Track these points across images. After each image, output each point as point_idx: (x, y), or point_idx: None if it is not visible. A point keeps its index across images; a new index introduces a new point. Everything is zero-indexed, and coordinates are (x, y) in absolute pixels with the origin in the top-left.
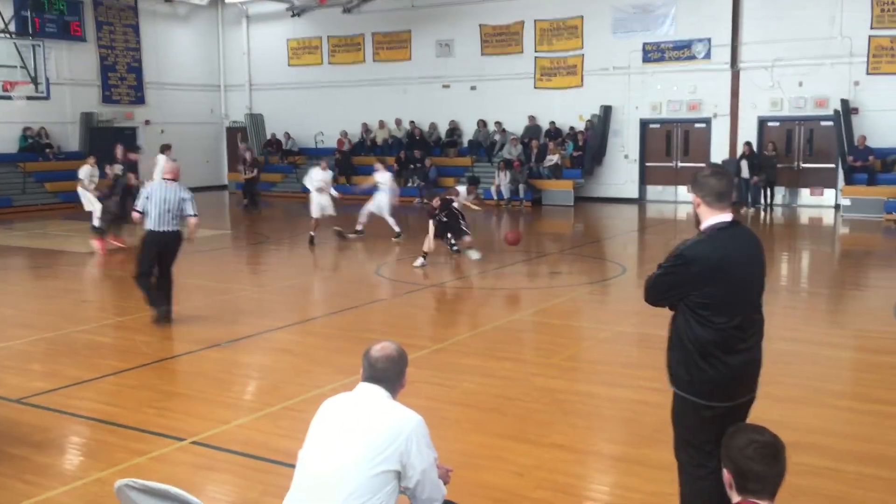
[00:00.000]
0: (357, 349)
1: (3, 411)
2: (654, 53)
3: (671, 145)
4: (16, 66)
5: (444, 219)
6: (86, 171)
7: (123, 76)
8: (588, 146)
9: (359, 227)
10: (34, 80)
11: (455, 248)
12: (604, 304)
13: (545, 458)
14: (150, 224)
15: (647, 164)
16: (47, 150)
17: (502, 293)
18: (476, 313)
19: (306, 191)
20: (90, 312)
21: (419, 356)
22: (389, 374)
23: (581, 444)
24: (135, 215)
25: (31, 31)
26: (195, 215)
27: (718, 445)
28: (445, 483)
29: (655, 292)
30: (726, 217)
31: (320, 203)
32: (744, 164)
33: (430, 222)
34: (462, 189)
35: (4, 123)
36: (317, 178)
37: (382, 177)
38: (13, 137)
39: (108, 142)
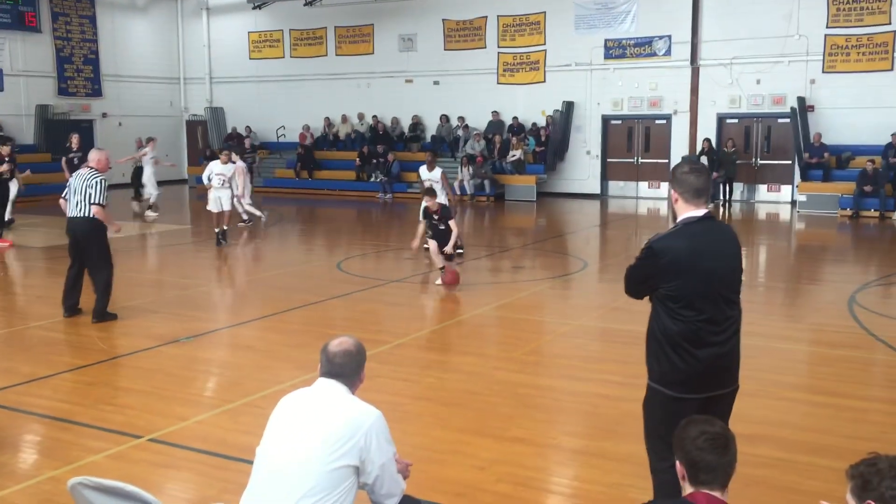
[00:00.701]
0: (318, 344)
1: None
2: (615, 50)
3: (632, 141)
4: None
5: (442, 227)
6: None
7: (80, 68)
8: (550, 142)
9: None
10: None
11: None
12: (566, 299)
13: (506, 451)
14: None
15: (609, 159)
16: (9, 142)
17: (465, 288)
18: (439, 308)
19: (200, 182)
20: (44, 308)
21: (381, 351)
22: (347, 370)
23: (541, 438)
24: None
25: None
26: (98, 203)
27: None
28: (405, 478)
29: (630, 283)
30: (699, 212)
31: (217, 196)
32: (703, 161)
33: (424, 229)
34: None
35: None
36: (216, 171)
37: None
38: None
39: (64, 134)
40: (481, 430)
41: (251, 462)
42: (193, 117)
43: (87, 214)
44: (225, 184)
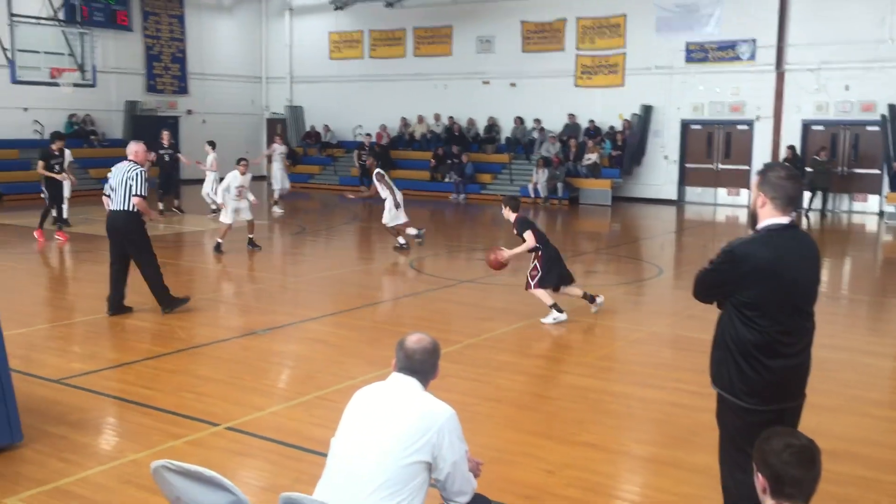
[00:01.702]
0: (390, 342)
1: (43, 391)
2: (697, 53)
3: (712, 147)
4: (64, 54)
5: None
6: None
7: (168, 66)
8: (627, 146)
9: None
10: (81, 68)
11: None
12: (639, 305)
13: (576, 456)
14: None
15: (687, 165)
16: (92, 137)
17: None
18: (510, 310)
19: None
20: (130, 297)
21: (452, 350)
22: (425, 366)
23: (612, 444)
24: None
25: (79, 19)
26: (139, 195)
27: None
28: (476, 476)
29: (702, 288)
30: (784, 219)
31: (237, 207)
32: None
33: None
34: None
35: (51, 110)
36: (235, 183)
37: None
38: (59, 124)
39: (151, 130)
40: (551, 433)
41: (323, 454)
42: (274, 115)
43: (127, 207)
44: (243, 194)
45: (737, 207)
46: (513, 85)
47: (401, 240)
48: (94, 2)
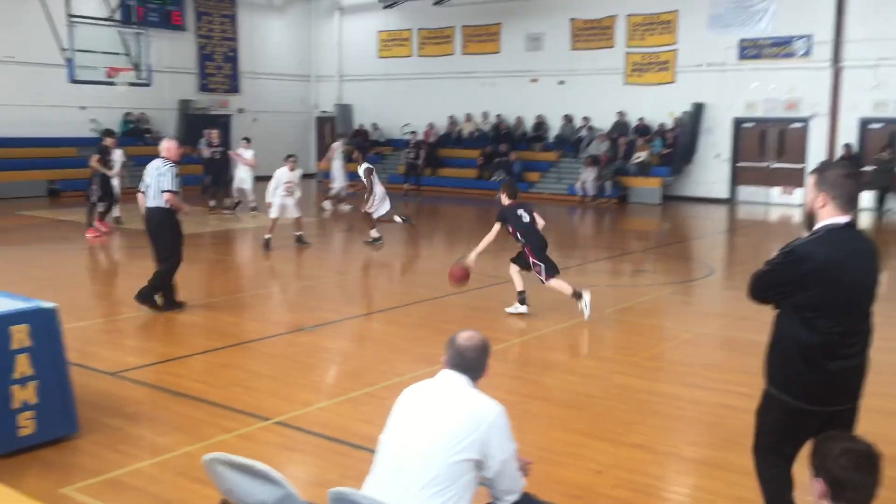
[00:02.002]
0: (437, 339)
1: (98, 384)
2: (750, 50)
3: (765, 145)
4: (119, 54)
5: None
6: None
7: (220, 65)
8: (678, 144)
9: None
10: (136, 68)
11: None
12: (689, 305)
13: (624, 456)
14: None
15: (740, 163)
16: (146, 135)
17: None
18: (558, 309)
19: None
20: (183, 292)
21: (500, 349)
22: (476, 364)
23: (661, 445)
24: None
25: (134, 19)
26: (170, 190)
27: (797, 450)
28: (525, 475)
29: (760, 287)
30: (845, 219)
31: (283, 203)
32: None
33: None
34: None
35: (108, 108)
36: (283, 178)
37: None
38: (115, 122)
39: (203, 128)
40: (599, 433)
41: (371, 450)
42: (323, 114)
43: (160, 203)
44: (291, 190)
45: (790, 207)
46: (561, 83)
47: (374, 233)
48: (149, 2)
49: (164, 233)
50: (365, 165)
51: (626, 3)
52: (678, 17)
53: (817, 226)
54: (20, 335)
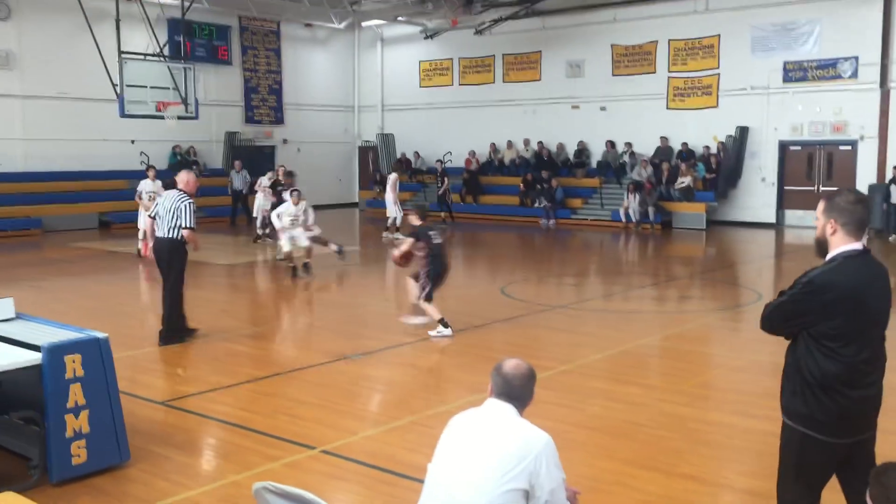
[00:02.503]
0: (482, 367)
1: (149, 413)
2: (795, 73)
3: (813, 168)
4: (168, 88)
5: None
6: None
7: (265, 97)
8: (722, 168)
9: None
10: (185, 101)
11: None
12: (737, 332)
13: (674, 487)
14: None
15: (786, 187)
16: (194, 167)
17: (630, 316)
18: (603, 336)
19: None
20: (228, 321)
21: (545, 377)
22: (523, 392)
23: (712, 476)
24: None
25: (182, 55)
26: (190, 227)
27: (823, 483)
28: None
29: (777, 320)
30: (858, 245)
31: (291, 235)
32: (893, 189)
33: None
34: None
35: (158, 142)
36: (286, 212)
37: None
38: (163, 155)
39: (249, 159)
40: (648, 463)
41: (417, 479)
42: (365, 143)
43: (174, 236)
44: (296, 223)
45: None
46: (603, 109)
47: (333, 246)
48: (196, 38)
49: (176, 263)
50: (294, 190)
51: (667, 28)
52: (720, 41)
53: (832, 253)
54: (73, 365)
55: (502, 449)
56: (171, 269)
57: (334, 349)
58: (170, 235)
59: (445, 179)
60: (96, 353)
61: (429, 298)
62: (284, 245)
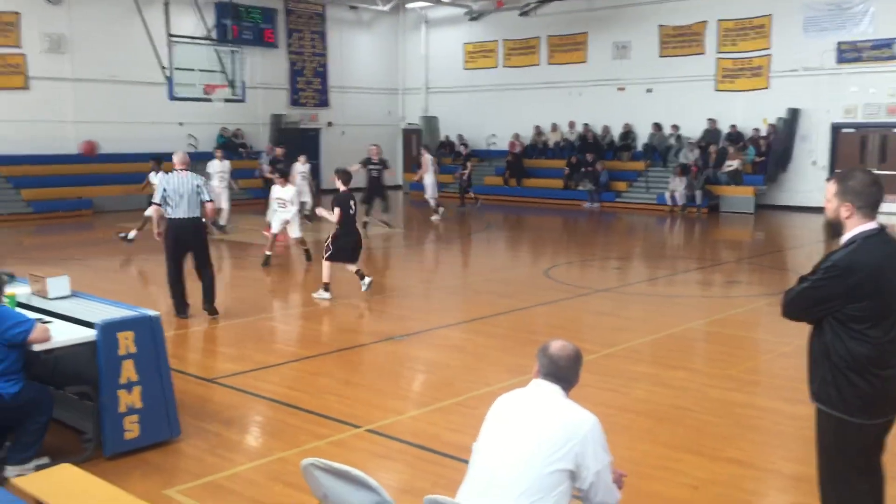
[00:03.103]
0: (525, 350)
1: (198, 390)
2: (849, 53)
3: (866, 151)
4: (216, 71)
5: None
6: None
7: (310, 80)
8: (772, 151)
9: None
10: (232, 84)
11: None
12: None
13: (721, 472)
14: (171, 213)
15: (838, 170)
16: (241, 150)
17: (675, 300)
18: (647, 320)
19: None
20: (276, 301)
21: (589, 360)
22: (569, 374)
23: (760, 461)
24: (154, 207)
25: (230, 38)
26: (210, 200)
27: (869, 465)
28: (619, 488)
29: (801, 307)
30: (874, 224)
31: (283, 218)
32: None
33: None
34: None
35: (205, 124)
36: (275, 195)
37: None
38: (211, 137)
39: (294, 142)
40: (694, 447)
41: (461, 459)
42: (409, 126)
43: (198, 214)
44: (284, 206)
45: (892, 215)
46: (649, 91)
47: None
48: (243, 21)
49: (202, 240)
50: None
51: (716, 8)
52: (772, 21)
53: (849, 235)
54: (126, 342)
55: (549, 430)
56: (201, 246)
57: (379, 330)
58: (194, 215)
59: (468, 164)
60: (148, 331)
61: (334, 259)
62: (274, 228)
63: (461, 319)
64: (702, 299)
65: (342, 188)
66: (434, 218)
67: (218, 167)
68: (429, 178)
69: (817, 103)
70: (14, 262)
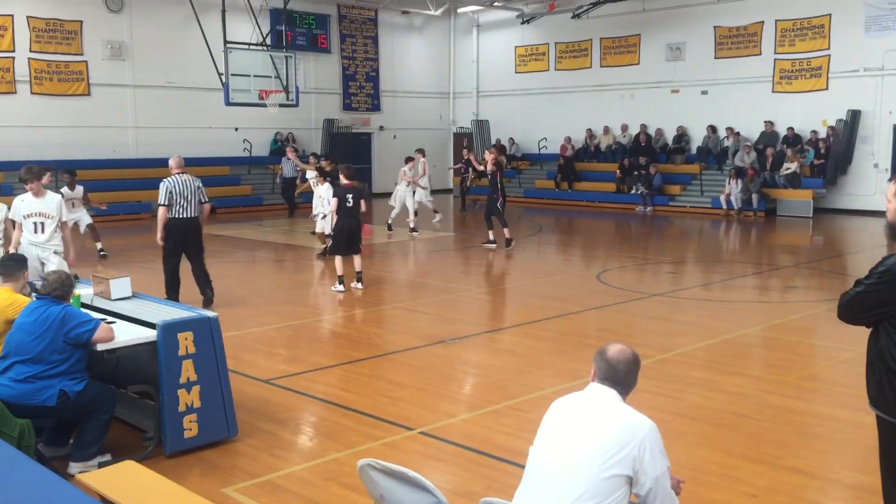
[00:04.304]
0: (579, 354)
1: (254, 390)
2: None
3: None
4: (270, 77)
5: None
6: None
7: (362, 85)
8: (831, 154)
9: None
10: (286, 89)
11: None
12: (845, 323)
13: (781, 480)
14: (175, 213)
15: None
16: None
17: (731, 305)
18: (703, 325)
19: None
20: (327, 303)
21: (643, 365)
22: (628, 378)
23: (822, 470)
24: (161, 209)
25: (284, 44)
26: (208, 202)
27: None
28: (676, 494)
29: (854, 310)
30: None
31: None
32: None
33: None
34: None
35: (259, 129)
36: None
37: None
38: (266, 142)
39: (346, 146)
40: (753, 455)
41: (514, 463)
42: (460, 130)
43: (197, 214)
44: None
45: None
46: (704, 93)
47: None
48: (297, 27)
49: (199, 238)
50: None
51: (773, 8)
52: (831, 20)
53: None
54: (186, 342)
55: (606, 434)
56: (198, 244)
57: (431, 333)
58: (195, 215)
59: (470, 170)
60: (207, 332)
61: (333, 252)
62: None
63: (513, 323)
64: (758, 304)
65: (345, 182)
66: (433, 221)
67: (312, 174)
68: (424, 181)
69: (879, 104)
70: (79, 264)
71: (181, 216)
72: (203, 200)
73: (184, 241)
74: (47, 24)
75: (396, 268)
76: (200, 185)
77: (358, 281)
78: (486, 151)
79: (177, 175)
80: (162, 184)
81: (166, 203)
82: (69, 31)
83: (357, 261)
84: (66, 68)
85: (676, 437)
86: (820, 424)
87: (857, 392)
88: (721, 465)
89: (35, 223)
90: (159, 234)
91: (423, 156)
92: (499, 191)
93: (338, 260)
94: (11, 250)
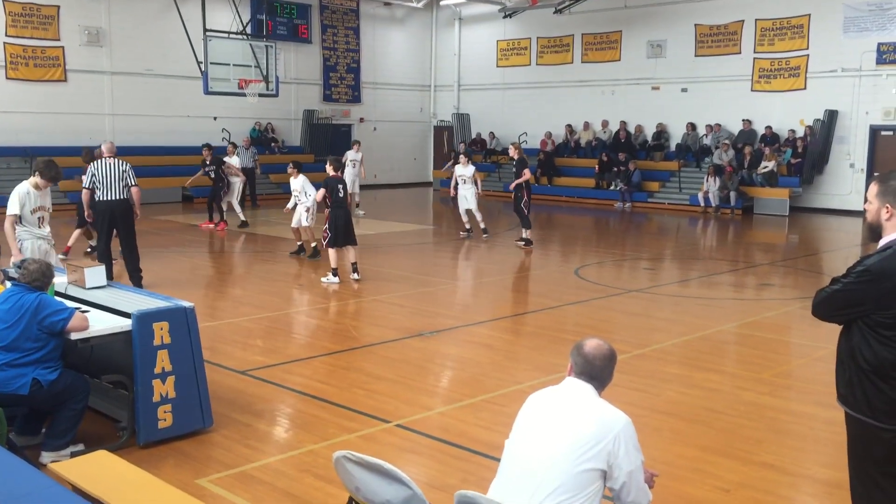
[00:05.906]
0: (556, 349)
1: (230, 381)
2: (890, 54)
3: None
4: (250, 66)
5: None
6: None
7: (343, 76)
8: (808, 153)
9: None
10: (266, 79)
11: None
12: (819, 321)
13: (754, 476)
14: (100, 195)
15: (876, 174)
16: (273, 144)
17: (707, 302)
18: (679, 321)
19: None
20: (305, 295)
21: (619, 360)
22: (603, 373)
23: (794, 466)
24: (84, 192)
25: (264, 33)
26: (136, 185)
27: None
28: (650, 488)
29: (829, 308)
30: None
31: (300, 215)
32: None
33: None
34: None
35: (239, 118)
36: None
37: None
38: (245, 131)
39: (326, 137)
40: (726, 450)
41: (490, 457)
42: (441, 123)
43: (125, 196)
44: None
45: None
46: (684, 90)
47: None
48: (278, 16)
49: (129, 220)
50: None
51: (754, 7)
52: (810, 21)
53: (887, 239)
54: (161, 332)
55: (581, 428)
56: (128, 226)
57: (409, 326)
58: (122, 197)
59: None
60: (183, 322)
61: (330, 245)
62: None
63: (490, 317)
64: (734, 301)
65: (332, 173)
66: (360, 213)
67: (352, 155)
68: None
69: (856, 105)
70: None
71: (105, 198)
72: (131, 184)
73: (111, 223)
74: (24, 9)
75: (375, 261)
76: (127, 168)
77: (354, 272)
78: (511, 146)
79: (104, 159)
80: (88, 168)
81: (88, 186)
82: (46, 15)
83: (353, 252)
84: (42, 54)
85: (651, 431)
86: (793, 421)
87: (831, 389)
88: (694, 460)
89: (39, 217)
90: (86, 212)
91: (358, 147)
92: (523, 189)
93: (332, 252)
94: (13, 249)
